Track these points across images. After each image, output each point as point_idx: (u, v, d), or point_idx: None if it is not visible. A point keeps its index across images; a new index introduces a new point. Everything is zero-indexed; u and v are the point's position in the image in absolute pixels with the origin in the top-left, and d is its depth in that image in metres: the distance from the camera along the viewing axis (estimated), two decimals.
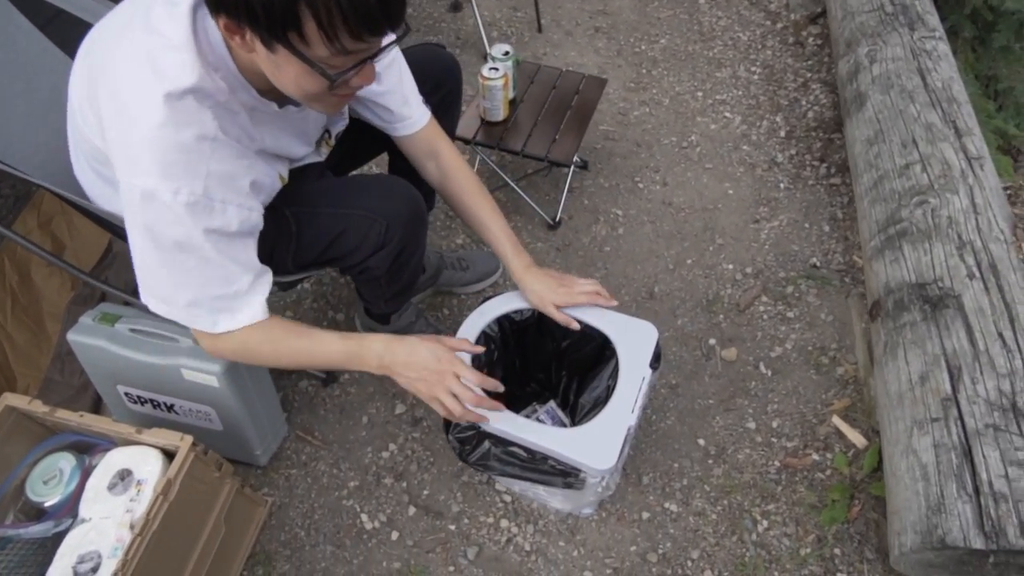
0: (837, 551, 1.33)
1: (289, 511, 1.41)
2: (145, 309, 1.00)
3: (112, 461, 1.11)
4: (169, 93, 0.83)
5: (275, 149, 1.05)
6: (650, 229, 1.90)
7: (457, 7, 2.62)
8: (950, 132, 1.53)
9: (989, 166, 1.48)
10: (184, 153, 0.85)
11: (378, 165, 1.89)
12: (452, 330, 1.28)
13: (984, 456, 1.08)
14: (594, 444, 1.10)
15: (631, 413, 1.13)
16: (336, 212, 1.14)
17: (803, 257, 1.82)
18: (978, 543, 1.01)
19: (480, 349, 1.17)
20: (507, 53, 1.72)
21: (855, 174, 1.70)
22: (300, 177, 1.15)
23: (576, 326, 1.24)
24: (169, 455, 1.12)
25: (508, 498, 1.41)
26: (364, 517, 1.40)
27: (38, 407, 1.15)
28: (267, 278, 1.03)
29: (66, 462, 1.16)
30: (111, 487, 1.09)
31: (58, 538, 1.08)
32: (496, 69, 1.68)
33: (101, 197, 1.09)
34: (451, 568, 1.33)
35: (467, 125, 1.77)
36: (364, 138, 1.26)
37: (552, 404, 1.44)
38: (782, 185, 1.99)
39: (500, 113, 1.76)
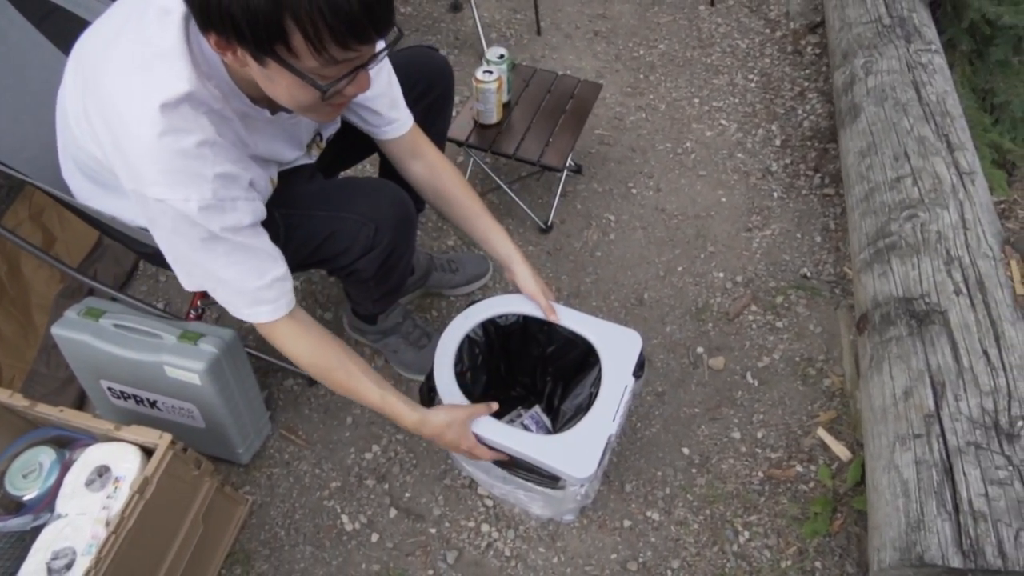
0: (818, 564, 1.33)
1: (270, 510, 1.41)
2: (145, 305, 1.00)
3: (91, 457, 1.11)
4: (165, 103, 0.83)
5: (267, 154, 1.06)
6: (642, 235, 1.90)
7: (457, 7, 2.62)
8: (942, 146, 1.52)
9: (980, 181, 1.48)
10: (187, 160, 0.86)
11: (371, 164, 1.89)
12: (439, 332, 1.27)
13: (965, 474, 1.07)
14: (574, 452, 1.10)
15: (612, 421, 1.13)
16: (325, 215, 1.14)
17: (794, 267, 1.81)
18: (956, 562, 1.00)
19: (494, 407, 1.18)
20: (502, 56, 1.71)
21: (847, 185, 1.70)
22: (290, 179, 1.15)
23: (557, 319, 1.25)
24: (148, 452, 1.12)
25: (489, 503, 1.41)
26: (345, 518, 1.40)
27: (19, 400, 1.15)
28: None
29: (46, 456, 1.16)
30: (88, 483, 1.08)
31: (36, 532, 1.08)
32: (490, 72, 1.68)
33: (91, 198, 1.09)
34: (430, 572, 1.33)
35: (460, 127, 1.77)
36: (355, 140, 1.26)
37: (537, 409, 1.44)
38: (775, 194, 1.99)
39: (494, 116, 1.76)
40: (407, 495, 1.43)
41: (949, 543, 1.02)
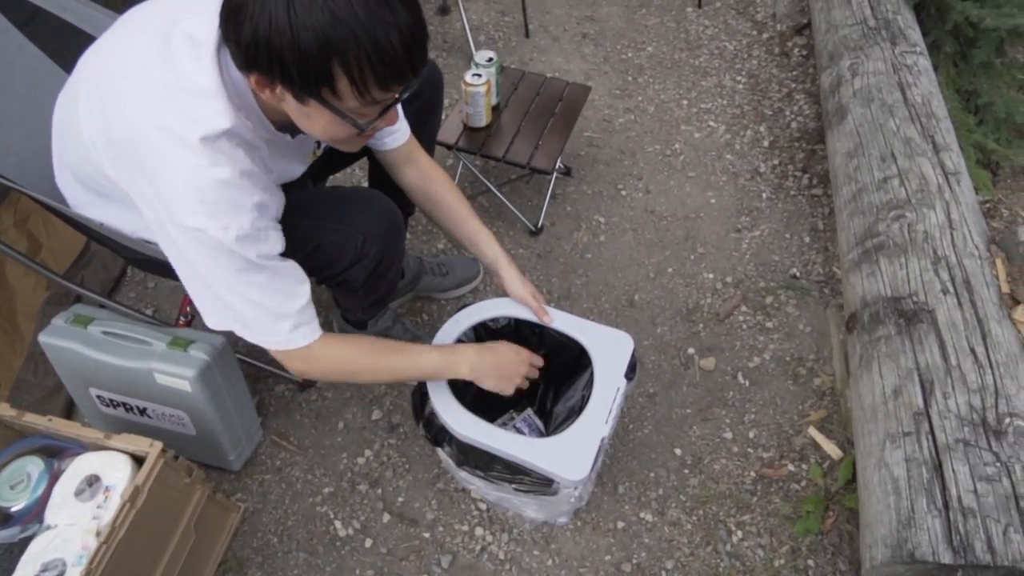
0: (811, 562, 1.34)
1: (262, 517, 1.40)
2: (128, 312, 0.99)
3: (80, 466, 1.10)
4: (205, 136, 0.85)
5: (283, 176, 1.09)
6: (632, 237, 1.91)
7: (445, 10, 2.62)
8: (928, 147, 1.54)
9: (966, 181, 1.50)
10: (228, 190, 0.87)
11: (360, 168, 1.88)
12: (429, 336, 1.27)
13: (954, 471, 1.08)
14: (567, 455, 1.10)
15: (605, 424, 1.13)
16: (313, 225, 1.13)
17: (783, 267, 1.82)
18: (946, 558, 1.01)
19: (539, 361, 1.25)
20: (491, 59, 1.72)
21: (835, 186, 1.71)
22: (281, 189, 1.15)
23: (550, 320, 1.26)
24: (139, 460, 1.11)
25: (483, 506, 1.41)
26: (338, 524, 1.39)
27: (6, 410, 1.14)
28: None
29: (34, 466, 1.15)
30: (78, 493, 1.07)
31: (25, 543, 1.07)
32: (479, 75, 1.68)
33: (88, 206, 1.08)
34: None
35: (449, 130, 1.77)
36: None
37: (529, 412, 1.44)
38: (764, 195, 2.00)
39: (483, 119, 1.76)
40: (400, 500, 1.42)
41: (939, 540, 1.03)
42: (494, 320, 1.28)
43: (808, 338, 1.68)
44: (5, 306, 1.63)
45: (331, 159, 1.34)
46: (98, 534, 1.02)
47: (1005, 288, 1.31)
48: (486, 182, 1.89)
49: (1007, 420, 1.11)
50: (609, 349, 1.22)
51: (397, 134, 1.24)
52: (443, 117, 1.54)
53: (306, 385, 1.57)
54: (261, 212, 0.92)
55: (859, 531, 1.24)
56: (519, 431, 1.39)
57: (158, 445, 1.07)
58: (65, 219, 1.18)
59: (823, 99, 1.95)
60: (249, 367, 1.49)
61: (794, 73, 2.38)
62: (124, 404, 1.31)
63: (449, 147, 1.75)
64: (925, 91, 1.68)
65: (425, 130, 1.34)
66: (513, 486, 1.16)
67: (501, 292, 1.30)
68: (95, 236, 1.23)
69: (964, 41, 2.03)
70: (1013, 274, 1.35)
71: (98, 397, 1.32)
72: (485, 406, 1.22)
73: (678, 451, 1.50)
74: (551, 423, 1.34)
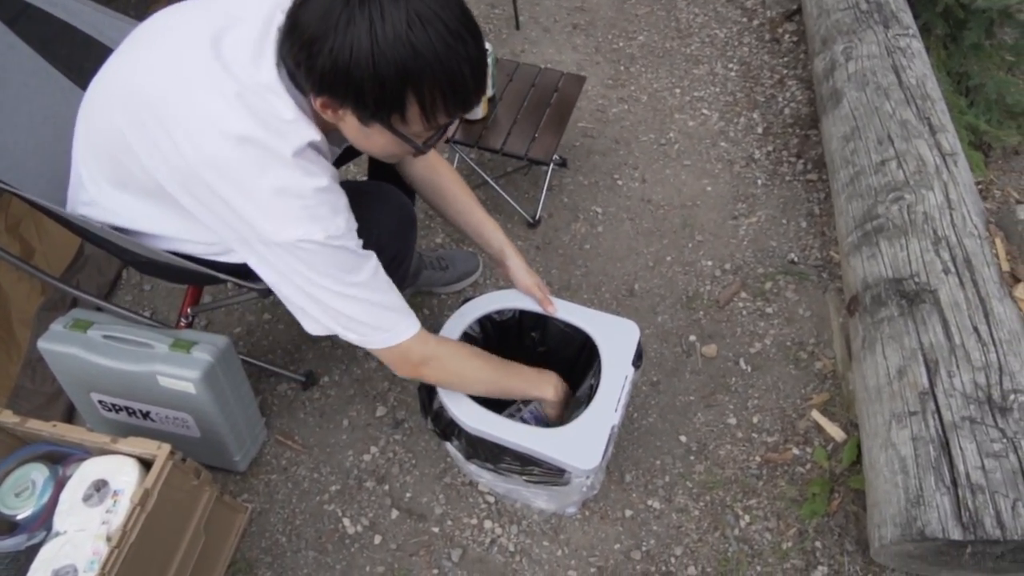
0: (818, 544, 1.35)
1: (270, 517, 1.39)
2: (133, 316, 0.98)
3: (87, 472, 1.09)
4: (296, 150, 0.87)
5: None
6: (629, 226, 1.91)
7: None
8: (924, 129, 1.55)
9: (963, 162, 1.51)
10: (324, 195, 0.90)
11: (355, 164, 1.87)
12: (433, 330, 1.26)
13: (961, 448, 1.09)
14: (578, 444, 1.10)
15: (614, 412, 1.13)
16: None
17: (781, 253, 1.83)
18: (956, 534, 1.02)
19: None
20: (486, 51, 1.70)
21: (832, 170, 1.72)
22: None
23: (555, 310, 1.26)
24: (146, 464, 1.10)
25: (491, 499, 1.41)
26: (346, 521, 1.38)
27: (8, 417, 1.12)
28: None
29: (38, 473, 1.13)
30: (86, 498, 1.06)
31: (31, 551, 1.06)
32: None
33: (122, 209, 1.05)
34: (435, 571, 1.32)
35: None
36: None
37: (535, 404, 1.43)
38: (759, 181, 2.01)
39: (479, 111, 1.75)
40: (408, 495, 1.42)
41: (949, 516, 1.04)
42: (499, 312, 1.28)
43: (808, 322, 1.68)
44: None
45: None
46: (108, 539, 1.01)
47: (1005, 267, 1.33)
48: (483, 174, 1.88)
49: (1012, 397, 1.12)
50: (616, 338, 1.22)
51: None
52: None
53: (309, 384, 1.56)
54: (349, 216, 0.94)
55: (865, 512, 1.25)
56: (525, 422, 1.38)
57: (166, 447, 1.06)
58: (62, 222, 1.16)
59: (817, 84, 1.95)
60: (250, 367, 1.49)
61: (785, 59, 2.39)
62: (127, 408, 1.30)
63: (446, 140, 1.74)
64: (919, 73, 1.68)
65: None
66: (524, 478, 1.16)
67: (507, 283, 1.30)
68: (93, 239, 1.20)
69: (954, 23, 2.04)
70: (1012, 252, 1.36)
71: (100, 402, 1.31)
72: (491, 398, 1.21)
73: (683, 438, 1.50)
74: None
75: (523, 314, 1.29)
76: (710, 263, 1.82)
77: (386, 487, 1.43)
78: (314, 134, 0.89)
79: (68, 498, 1.07)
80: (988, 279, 1.27)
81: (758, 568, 1.32)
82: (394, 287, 1.03)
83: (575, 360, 1.31)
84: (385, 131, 0.86)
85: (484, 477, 1.30)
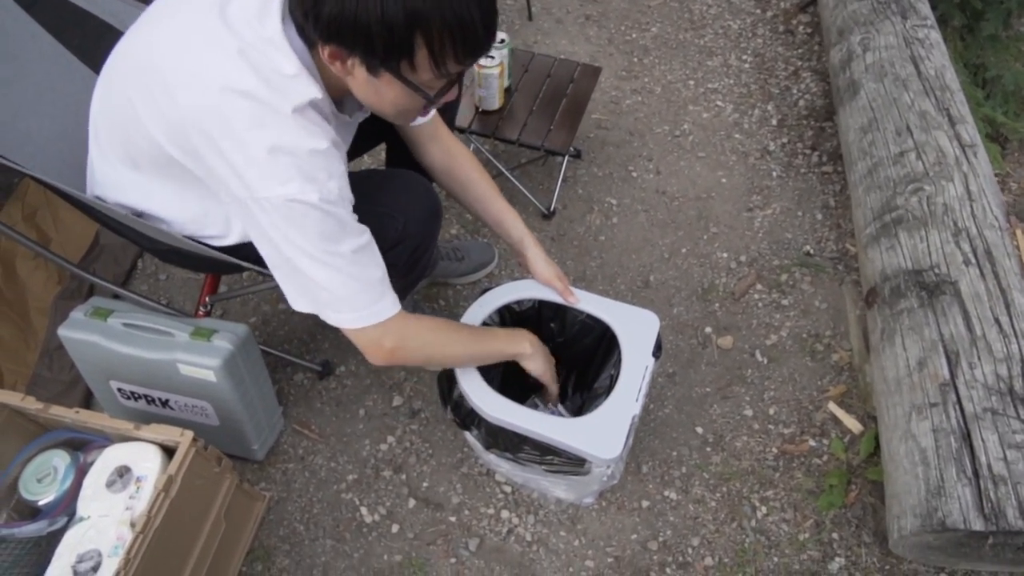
0: (835, 535, 1.35)
1: (287, 505, 1.39)
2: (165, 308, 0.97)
3: (110, 458, 1.09)
4: (296, 107, 0.85)
5: None
6: (644, 218, 1.90)
7: None
8: (944, 120, 1.54)
9: (982, 153, 1.50)
10: (320, 157, 0.88)
11: (369, 156, 1.87)
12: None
13: (983, 440, 1.09)
14: (599, 433, 1.10)
15: (635, 402, 1.13)
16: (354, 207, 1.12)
17: (796, 245, 1.83)
18: (978, 525, 1.02)
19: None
20: (503, 41, 1.70)
21: (849, 162, 1.71)
22: None
23: (576, 300, 1.26)
24: (167, 451, 1.10)
25: (508, 489, 1.41)
26: (364, 510, 1.39)
27: (31, 403, 1.13)
28: None
29: (60, 459, 1.14)
30: (109, 484, 1.07)
31: (53, 537, 1.06)
32: (492, 57, 1.67)
33: (135, 190, 1.05)
34: (452, 560, 1.33)
35: (462, 114, 1.75)
36: (365, 129, 1.24)
37: (551, 406, 1.43)
38: (774, 173, 2.00)
39: (496, 102, 1.74)
40: (425, 485, 1.42)
41: (970, 507, 1.04)
42: (518, 303, 1.28)
43: (824, 314, 1.68)
44: (17, 301, 1.62)
45: (353, 143, 1.33)
46: (132, 525, 1.02)
47: None
48: (498, 165, 1.87)
49: None
50: (635, 328, 1.22)
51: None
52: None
53: (325, 373, 1.56)
54: (344, 182, 0.92)
55: (883, 503, 1.25)
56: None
57: (189, 434, 1.07)
58: (84, 208, 1.16)
59: (833, 75, 1.94)
60: (268, 356, 1.49)
61: (800, 51, 2.37)
62: (146, 396, 1.30)
63: (463, 131, 1.74)
64: (938, 64, 1.67)
65: (444, 113, 1.33)
66: (543, 467, 1.16)
67: (523, 273, 1.30)
68: (113, 226, 1.21)
69: (971, 14, 2.03)
70: None
71: (119, 390, 1.31)
72: (508, 393, 1.21)
73: (700, 429, 1.50)
74: (581, 405, 1.34)
75: (542, 304, 1.29)
76: (725, 255, 1.81)
77: (403, 476, 1.43)
78: (316, 91, 0.87)
79: (91, 484, 1.07)
80: (1009, 270, 1.27)
81: (775, 559, 1.32)
82: (383, 267, 1.00)
83: (593, 350, 1.31)
84: (395, 81, 0.85)
85: (503, 467, 1.30)
